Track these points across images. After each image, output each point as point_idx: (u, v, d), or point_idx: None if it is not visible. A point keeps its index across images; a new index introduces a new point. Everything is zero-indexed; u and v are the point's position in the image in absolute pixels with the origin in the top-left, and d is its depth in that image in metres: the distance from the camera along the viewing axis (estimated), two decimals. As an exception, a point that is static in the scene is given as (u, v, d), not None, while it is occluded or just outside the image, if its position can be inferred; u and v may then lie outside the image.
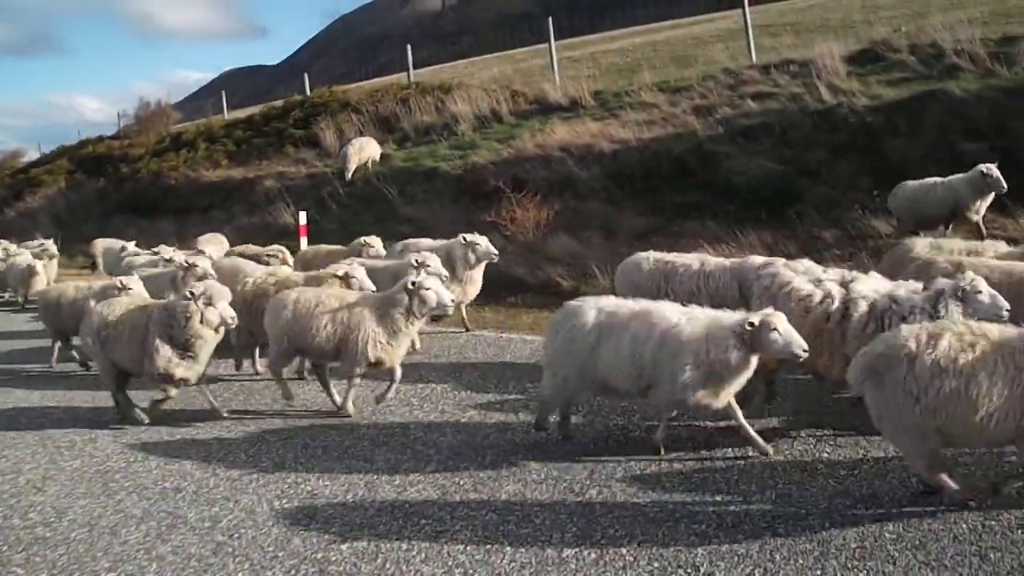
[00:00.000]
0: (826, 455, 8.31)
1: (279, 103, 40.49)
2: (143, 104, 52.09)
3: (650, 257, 11.65)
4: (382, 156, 28.12)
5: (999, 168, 14.10)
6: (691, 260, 11.42)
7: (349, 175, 27.58)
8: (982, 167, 14.12)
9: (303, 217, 21.34)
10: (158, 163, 39.77)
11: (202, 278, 12.39)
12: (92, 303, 12.21)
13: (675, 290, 10.93)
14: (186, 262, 12.22)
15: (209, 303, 10.53)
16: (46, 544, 7.96)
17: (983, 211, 14.67)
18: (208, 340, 10.75)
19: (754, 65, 24.38)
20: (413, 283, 10.24)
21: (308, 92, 39.62)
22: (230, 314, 10.69)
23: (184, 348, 10.65)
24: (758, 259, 10.76)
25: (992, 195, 14.39)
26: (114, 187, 41.52)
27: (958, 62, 20.28)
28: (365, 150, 28.10)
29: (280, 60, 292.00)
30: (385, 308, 10.45)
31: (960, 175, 14.65)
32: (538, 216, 19.29)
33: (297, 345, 11.05)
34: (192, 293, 10.66)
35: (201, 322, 10.51)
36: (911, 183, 15.27)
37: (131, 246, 20.89)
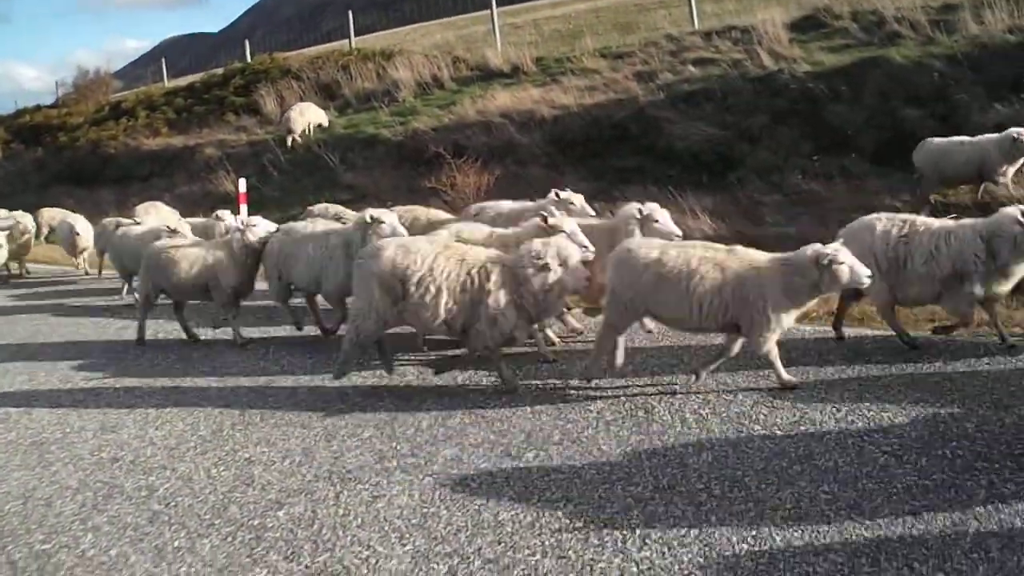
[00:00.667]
0: (762, 416, 8.35)
1: (219, 71, 40.14)
2: (82, 72, 51.63)
3: (882, 217, 10.75)
4: (318, 124, 27.94)
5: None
6: (929, 220, 10.72)
7: (295, 138, 27.43)
8: (1013, 131, 13.77)
9: (243, 184, 21.19)
10: (97, 132, 39.34)
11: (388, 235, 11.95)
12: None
13: (912, 252, 10.21)
14: (370, 218, 11.79)
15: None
16: (-23, 518, 7.87)
17: (1010, 175, 14.38)
18: None
19: (696, 31, 24.45)
20: (828, 257, 8.67)
21: (249, 59, 39.36)
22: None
23: None
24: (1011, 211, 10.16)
25: (1022, 160, 14.09)
26: (52, 156, 41.07)
27: (899, 29, 20.44)
28: (306, 114, 27.93)
29: (221, 28, 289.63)
30: (790, 278, 8.96)
31: (990, 135, 14.39)
32: (479, 182, 19.24)
33: (651, 310, 9.71)
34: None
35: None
36: (936, 139, 14.93)
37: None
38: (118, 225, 17.94)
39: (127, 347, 13.77)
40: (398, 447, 8.28)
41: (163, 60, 49.11)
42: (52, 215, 24.87)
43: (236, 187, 22.86)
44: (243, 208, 20.37)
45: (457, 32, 37.32)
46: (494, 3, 30.03)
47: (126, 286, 17.33)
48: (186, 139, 33.66)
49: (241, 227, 12.99)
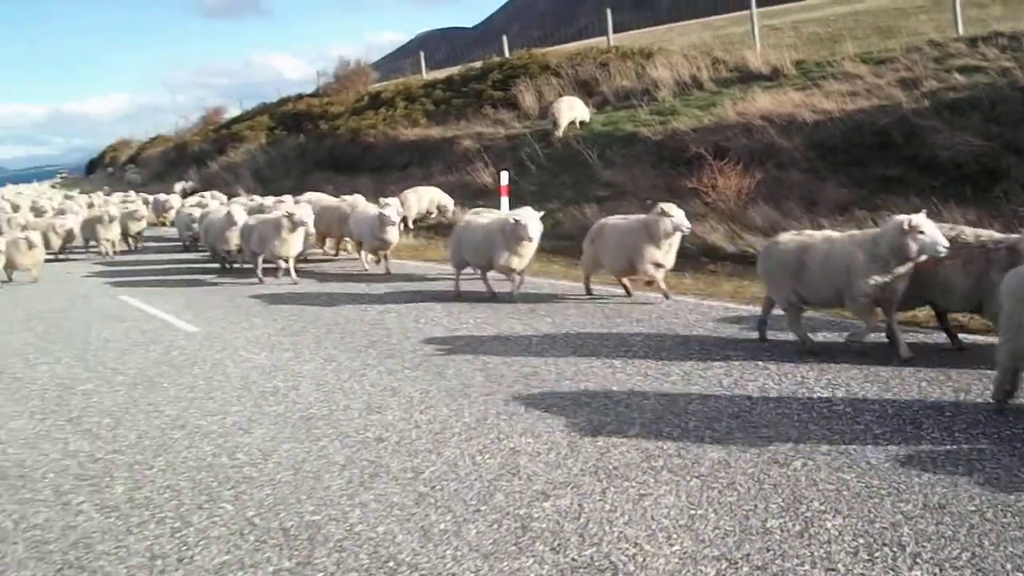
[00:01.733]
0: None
1: (478, 64, 40.55)
2: (342, 63, 52.92)
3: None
4: (581, 120, 28.06)
5: None
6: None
7: (560, 132, 27.59)
8: None
9: (504, 177, 21.48)
10: (357, 121, 40.34)
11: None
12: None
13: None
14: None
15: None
16: (253, 483, 8.34)
17: None
18: None
19: (960, 38, 23.69)
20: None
21: (507, 54, 39.72)
22: None
23: None
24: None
25: None
26: (313, 144, 42.29)
27: None
28: (575, 109, 28.08)
29: (476, 23, 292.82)
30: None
31: None
32: (739, 184, 19.14)
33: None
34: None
35: None
36: None
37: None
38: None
39: (389, 331, 14.27)
40: (664, 447, 8.29)
41: (420, 53, 49.84)
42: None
43: (496, 179, 23.22)
44: (504, 200, 20.67)
45: (714, 32, 37.01)
46: (754, 4, 29.66)
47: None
48: (444, 130, 34.18)
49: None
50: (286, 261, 20.89)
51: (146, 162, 75.22)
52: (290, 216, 20.01)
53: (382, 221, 19.62)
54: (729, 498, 7.10)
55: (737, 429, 8.61)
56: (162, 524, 7.67)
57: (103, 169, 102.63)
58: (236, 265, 23.69)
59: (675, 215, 13.69)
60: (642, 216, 14.58)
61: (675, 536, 6.57)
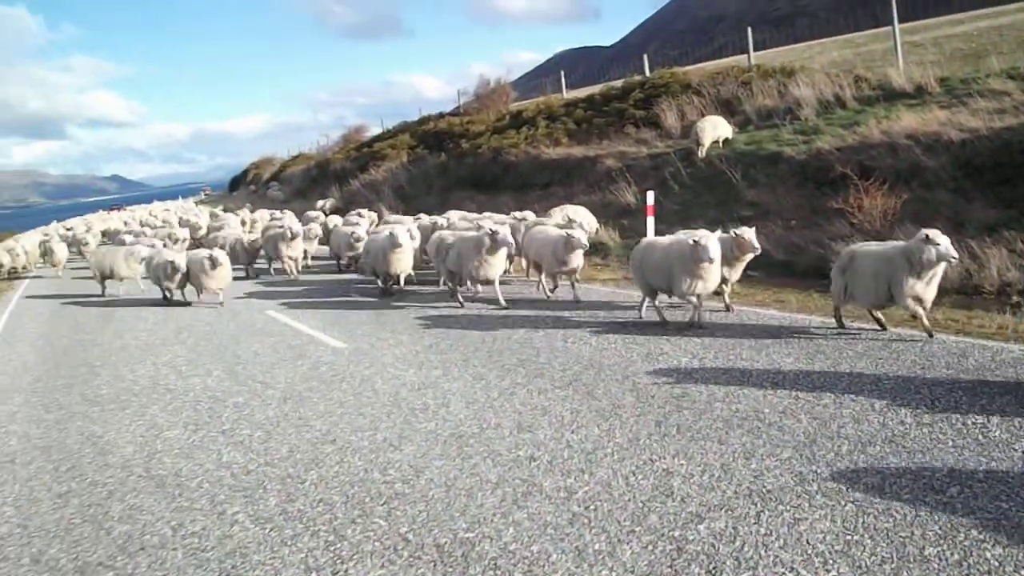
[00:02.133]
0: None
1: (618, 83, 40.52)
2: (482, 82, 53.34)
3: None
4: (724, 139, 27.95)
5: None
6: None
7: (703, 152, 27.55)
8: None
9: (650, 197, 21.40)
10: (499, 139, 40.63)
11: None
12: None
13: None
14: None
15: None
16: (405, 499, 8.47)
17: None
18: None
19: (1113, 52, 23.26)
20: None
21: (648, 73, 39.62)
22: None
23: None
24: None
25: None
26: (455, 162, 42.68)
27: None
28: (718, 128, 28.03)
29: (613, 42, 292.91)
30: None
31: None
32: (885, 205, 18.89)
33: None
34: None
35: None
36: None
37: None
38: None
39: (538, 351, 14.29)
40: (818, 470, 8.23)
41: (561, 72, 49.99)
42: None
43: (638, 199, 23.25)
44: (650, 220, 20.55)
45: (854, 50, 36.59)
46: (895, 21, 29.22)
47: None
48: (586, 150, 34.23)
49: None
50: (485, 283, 19.44)
51: (288, 179, 76.45)
52: (493, 235, 18.33)
53: (569, 243, 17.92)
54: (885, 524, 7.03)
55: (891, 454, 8.50)
56: (316, 537, 7.84)
57: (246, 186, 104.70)
58: (397, 287, 23.20)
59: (941, 243, 12.87)
60: (899, 243, 14.14)
61: (831, 562, 6.53)
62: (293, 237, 27.83)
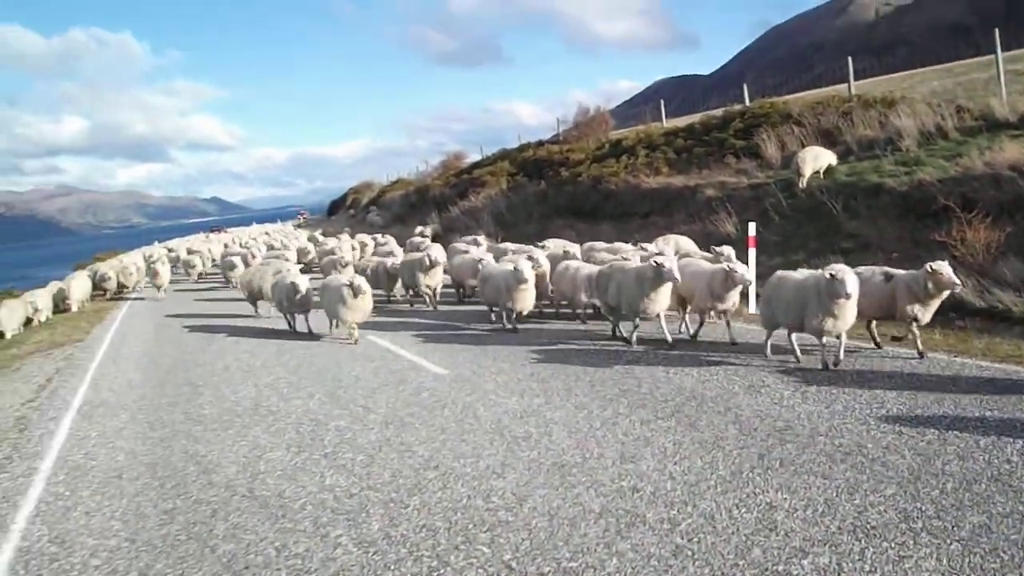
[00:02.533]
0: None
1: (718, 112, 40.36)
2: (581, 110, 53.46)
3: None
4: (825, 169, 27.72)
5: None
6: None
7: (804, 183, 27.29)
8: None
9: (752, 228, 21.26)
10: (598, 168, 40.60)
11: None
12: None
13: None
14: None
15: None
16: (508, 527, 8.53)
17: None
18: None
19: None
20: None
21: (747, 102, 39.48)
22: None
23: None
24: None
25: None
26: (554, 190, 42.71)
27: None
28: (819, 159, 27.76)
29: (712, 70, 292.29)
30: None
31: None
32: (988, 237, 18.63)
33: None
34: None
35: None
36: None
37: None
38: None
39: (639, 381, 14.26)
40: (922, 508, 8.15)
41: (661, 101, 49.94)
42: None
43: (739, 229, 23.16)
44: (751, 252, 20.40)
45: (955, 79, 36.10)
46: (999, 50, 28.84)
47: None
48: (686, 179, 34.05)
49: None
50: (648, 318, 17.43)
51: (387, 205, 76.93)
52: (658, 267, 16.36)
53: (731, 279, 16.29)
54: (992, 564, 6.97)
55: (997, 492, 8.40)
56: (419, 562, 7.93)
57: (345, 211, 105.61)
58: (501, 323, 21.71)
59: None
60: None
61: (939, 602, 6.48)
62: (432, 265, 25.61)
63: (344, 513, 9.40)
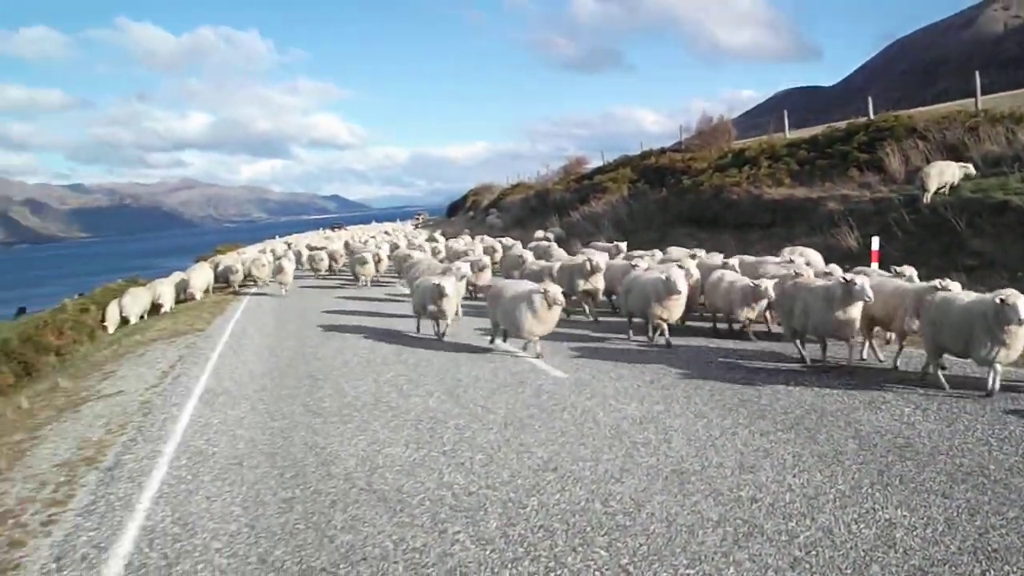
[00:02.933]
0: None
1: (842, 125, 39.83)
2: (704, 119, 53.06)
3: None
4: (950, 185, 27.31)
5: None
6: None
7: (927, 198, 26.83)
8: None
9: (876, 243, 21.03)
10: (720, 177, 40.31)
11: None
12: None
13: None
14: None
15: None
16: (626, 532, 8.58)
17: None
18: None
19: None
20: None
21: (871, 115, 38.98)
22: None
23: None
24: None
25: None
26: (675, 197, 42.50)
27: None
28: (945, 174, 27.14)
29: (835, 82, 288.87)
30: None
31: None
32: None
33: None
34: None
35: None
36: None
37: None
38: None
39: (759, 392, 14.23)
40: (1047, 533, 8.02)
41: (784, 112, 49.49)
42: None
43: (860, 243, 22.95)
44: (874, 267, 20.12)
45: (1086, 95, 35.49)
46: None
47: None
48: (808, 191, 33.70)
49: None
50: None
51: (507, 207, 77.01)
52: (849, 284, 15.32)
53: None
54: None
55: None
56: (536, 562, 8.01)
57: (464, 212, 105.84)
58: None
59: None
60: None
61: (1059, 628, 6.43)
62: (594, 271, 23.52)
63: (462, 510, 9.52)
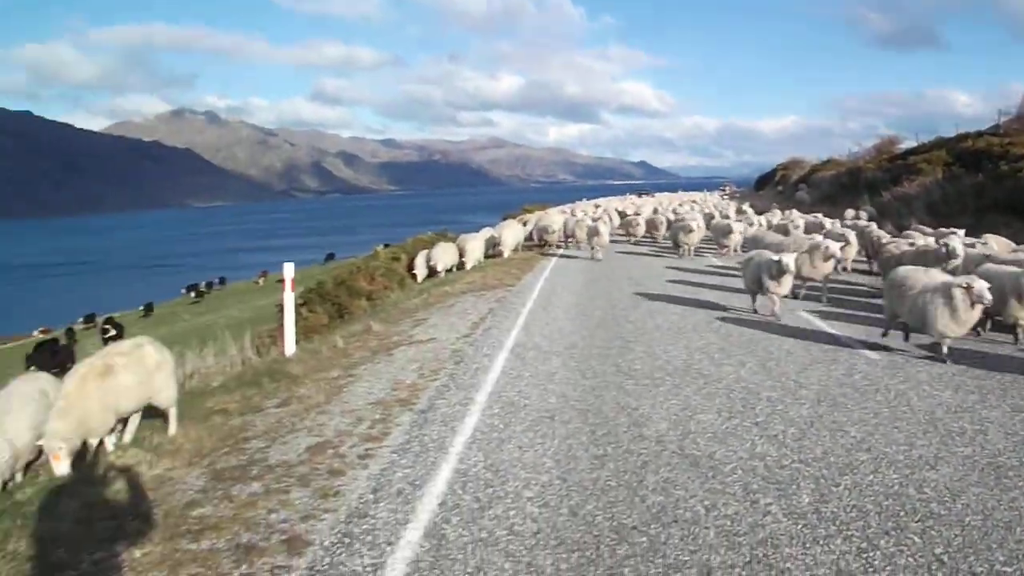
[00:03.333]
0: None
1: None
2: (1025, 103, 51.14)
3: None
4: None
5: None
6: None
7: None
8: None
9: None
10: (1041, 164, 38.84)
11: None
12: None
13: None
14: None
15: None
16: (940, 521, 8.42)
17: None
18: None
19: None
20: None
21: None
22: None
23: None
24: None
25: None
26: (992, 183, 41.08)
27: None
28: None
29: None
30: None
31: None
32: None
33: None
34: None
35: None
36: None
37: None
38: None
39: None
40: None
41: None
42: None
43: None
44: None
45: None
46: None
47: None
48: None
49: None
50: None
51: (817, 183, 76.05)
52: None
53: None
54: None
55: None
56: (848, 542, 7.99)
57: (772, 186, 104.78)
58: None
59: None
60: None
61: None
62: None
63: (774, 483, 9.55)
